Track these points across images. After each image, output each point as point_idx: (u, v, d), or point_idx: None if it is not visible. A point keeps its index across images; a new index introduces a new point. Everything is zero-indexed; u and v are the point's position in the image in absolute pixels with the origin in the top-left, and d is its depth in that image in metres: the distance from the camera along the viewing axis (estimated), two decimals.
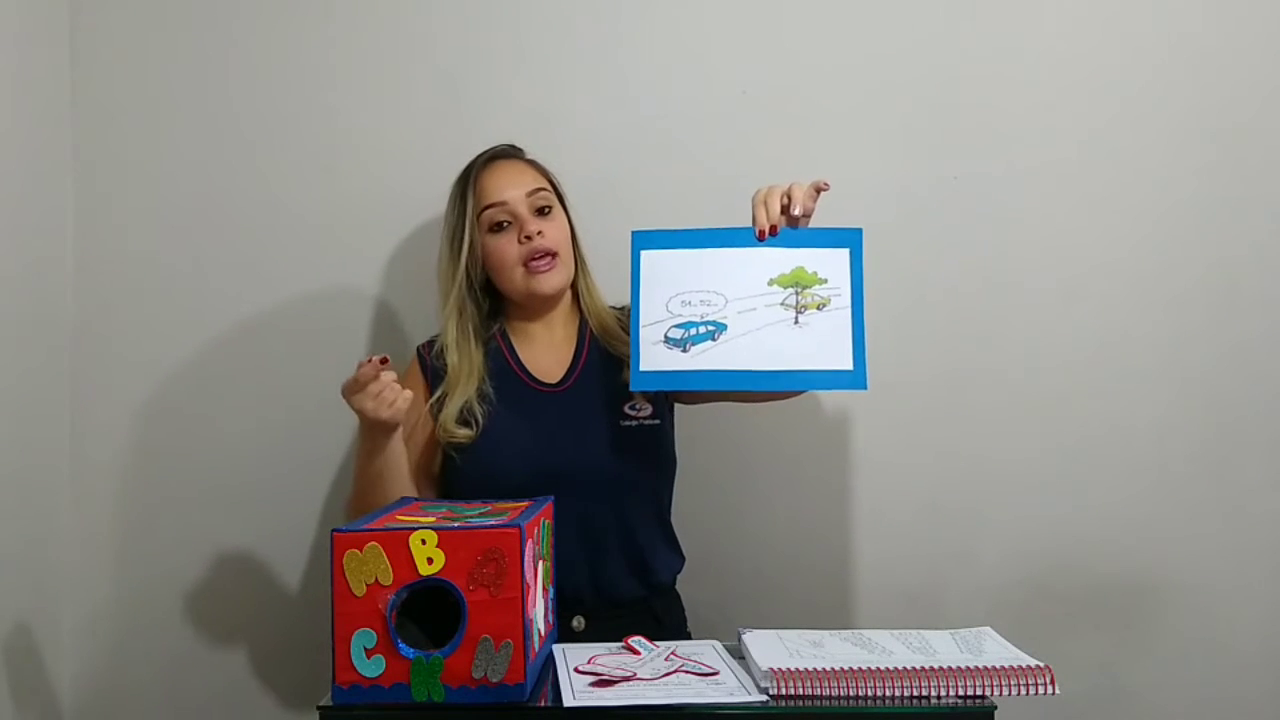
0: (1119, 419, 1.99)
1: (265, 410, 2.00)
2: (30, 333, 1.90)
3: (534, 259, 1.69)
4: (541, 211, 1.72)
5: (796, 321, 1.55)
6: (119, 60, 2.00)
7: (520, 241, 1.69)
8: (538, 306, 1.75)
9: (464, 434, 1.66)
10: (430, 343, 1.76)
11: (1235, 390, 1.99)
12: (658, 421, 1.72)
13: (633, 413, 1.70)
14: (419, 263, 1.98)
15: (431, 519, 1.32)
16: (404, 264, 2.00)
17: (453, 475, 1.70)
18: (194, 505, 2.00)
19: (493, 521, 1.29)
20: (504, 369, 1.73)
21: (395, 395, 1.53)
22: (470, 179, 1.73)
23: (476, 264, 1.72)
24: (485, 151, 1.77)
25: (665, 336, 1.57)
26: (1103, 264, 1.99)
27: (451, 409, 1.67)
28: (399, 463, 1.62)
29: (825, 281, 1.56)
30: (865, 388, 1.54)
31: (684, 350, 1.56)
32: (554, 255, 1.70)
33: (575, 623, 1.66)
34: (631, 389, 1.58)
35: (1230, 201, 1.99)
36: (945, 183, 1.99)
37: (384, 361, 1.51)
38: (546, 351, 1.76)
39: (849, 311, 1.55)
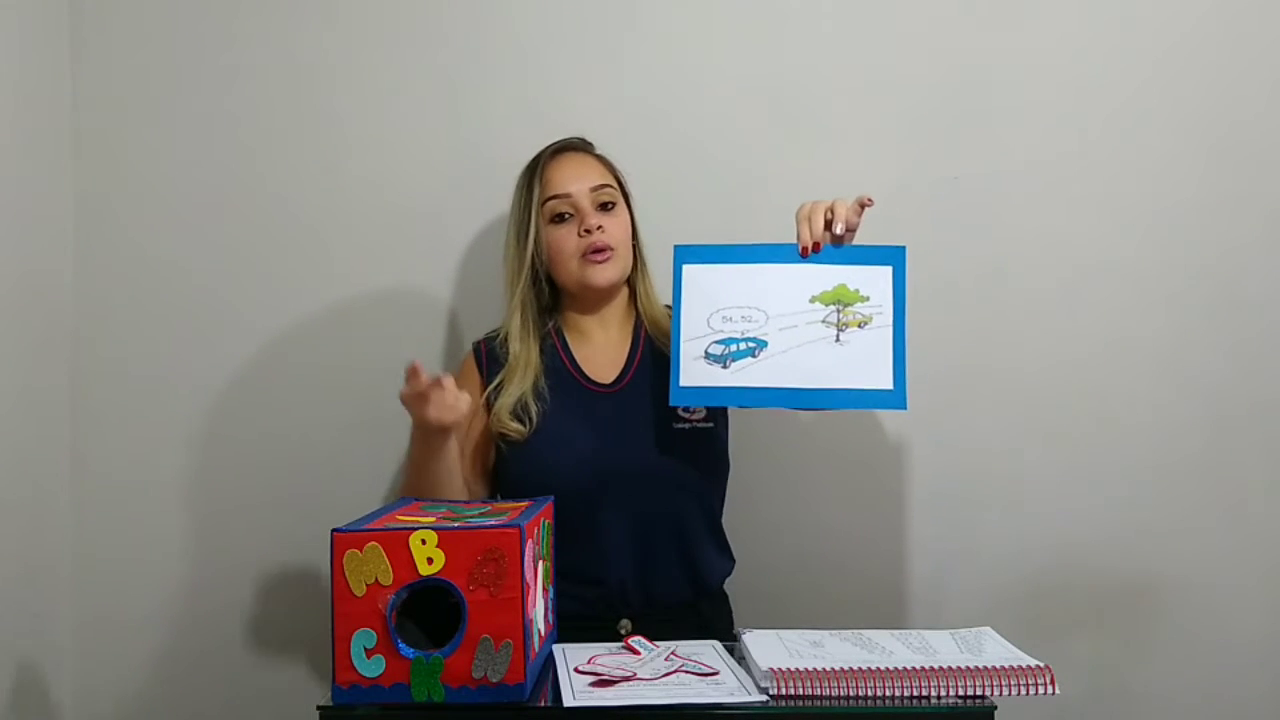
0: (1119, 419, 1.99)
1: (265, 411, 2.00)
2: (30, 334, 1.90)
3: (592, 252, 1.69)
4: (604, 207, 1.71)
5: (838, 339, 1.56)
6: (119, 60, 2.00)
7: (580, 235, 1.69)
8: (592, 299, 1.74)
9: (515, 428, 1.66)
10: (489, 338, 1.76)
11: (1235, 390, 1.99)
12: (711, 425, 1.71)
13: (686, 415, 1.69)
14: (423, 263, 1.99)
15: (431, 519, 1.32)
16: (408, 265, 2.00)
17: (503, 471, 1.70)
18: (193, 506, 2.00)
19: (493, 521, 1.29)
20: (558, 367, 1.72)
21: (455, 398, 1.54)
22: (537, 169, 1.72)
23: (541, 254, 1.71)
24: (554, 142, 1.76)
25: (706, 352, 1.58)
26: (1103, 263, 1.99)
27: (507, 400, 1.67)
28: (455, 464, 1.63)
29: (867, 299, 1.57)
30: (905, 407, 1.55)
31: (724, 366, 1.57)
32: (611, 250, 1.69)
33: (622, 626, 1.64)
34: (671, 404, 1.60)
35: (1231, 201, 1.99)
36: (946, 183, 1.99)
37: (414, 373, 1.52)
38: (601, 350, 1.75)
39: (890, 330, 1.56)
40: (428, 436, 1.58)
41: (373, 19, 2.00)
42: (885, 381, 1.55)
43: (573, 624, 1.53)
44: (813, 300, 1.58)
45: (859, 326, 1.56)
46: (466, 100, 2.00)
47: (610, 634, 1.60)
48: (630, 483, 1.65)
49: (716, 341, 1.58)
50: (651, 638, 1.47)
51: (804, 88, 2.01)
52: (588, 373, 1.73)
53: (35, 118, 1.92)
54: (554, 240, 1.70)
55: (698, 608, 1.71)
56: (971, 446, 2.00)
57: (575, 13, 2.01)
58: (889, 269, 1.58)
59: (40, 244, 1.93)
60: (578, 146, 1.77)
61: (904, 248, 1.58)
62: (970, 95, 2.00)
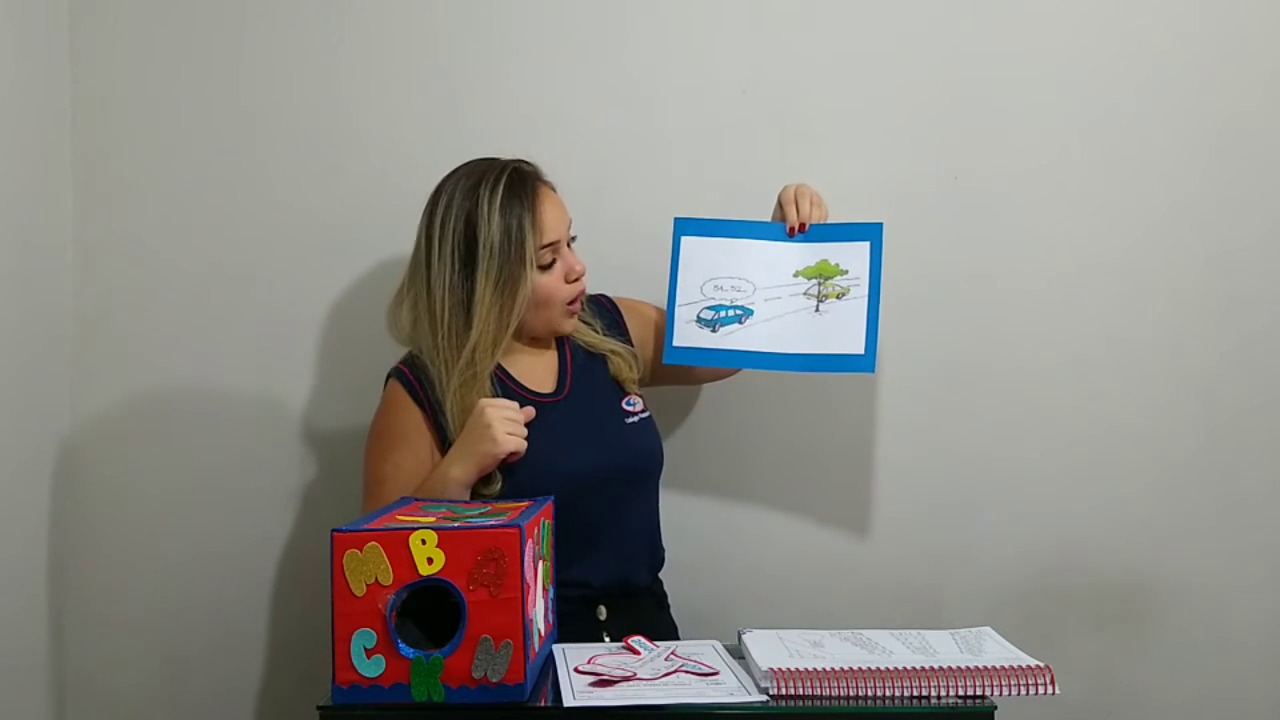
0: (1119, 419, 1.99)
1: (264, 410, 2.00)
2: (30, 331, 1.90)
3: (574, 299, 1.70)
4: (570, 245, 1.70)
5: (818, 310, 1.70)
6: (119, 60, 2.00)
7: (569, 282, 1.68)
8: (546, 334, 1.73)
9: (496, 489, 1.61)
10: (413, 371, 1.65)
11: (1235, 389, 1.99)
12: (648, 414, 1.76)
13: (630, 408, 1.73)
14: None
15: (431, 519, 1.32)
16: (407, 264, 2.00)
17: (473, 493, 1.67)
18: (193, 505, 2.00)
19: (493, 521, 1.29)
20: (504, 393, 1.66)
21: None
22: (529, 209, 1.62)
23: (530, 304, 1.64)
24: (519, 170, 1.65)
25: (698, 317, 1.72)
26: (1103, 263, 1.99)
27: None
28: None
29: (846, 272, 1.71)
30: (873, 371, 1.68)
31: (713, 330, 1.71)
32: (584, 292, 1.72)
33: (599, 611, 1.66)
34: (665, 362, 1.73)
35: (1230, 200, 1.99)
36: (946, 182, 1.99)
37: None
38: (534, 363, 1.73)
39: (865, 301, 1.69)
40: (479, 467, 1.57)
41: (372, 16, 2.00)
42: (857, 347, 1.67)
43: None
44: (796, 275, 1.72)
45: (837, 298, 1.70)
46: (466, 98, 2.00)
47: (590, 621, 1.64)
48: (598, 482, 1.65)
49: (708, 308, 1.72)
50: (622, 620, 1.63)
51: (804, 89, 2.00)
52: (528, 385, 1.70)
53: (35, 118, 1.92)
54: (544, 287, 1.65)
55: (653, 589, 1.77)
56: (971, 446, 2.00)
57: (574, 13, 2.00)
58: (867, 244, 1.71)
59: (40, 242, 1.93)
60: (543, 178, 1.69)
61: (881, 224, 1.72)
62: (970, 95, 1.99)
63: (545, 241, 1.63)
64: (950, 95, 1.99)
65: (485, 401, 1.58)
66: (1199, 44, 1.99)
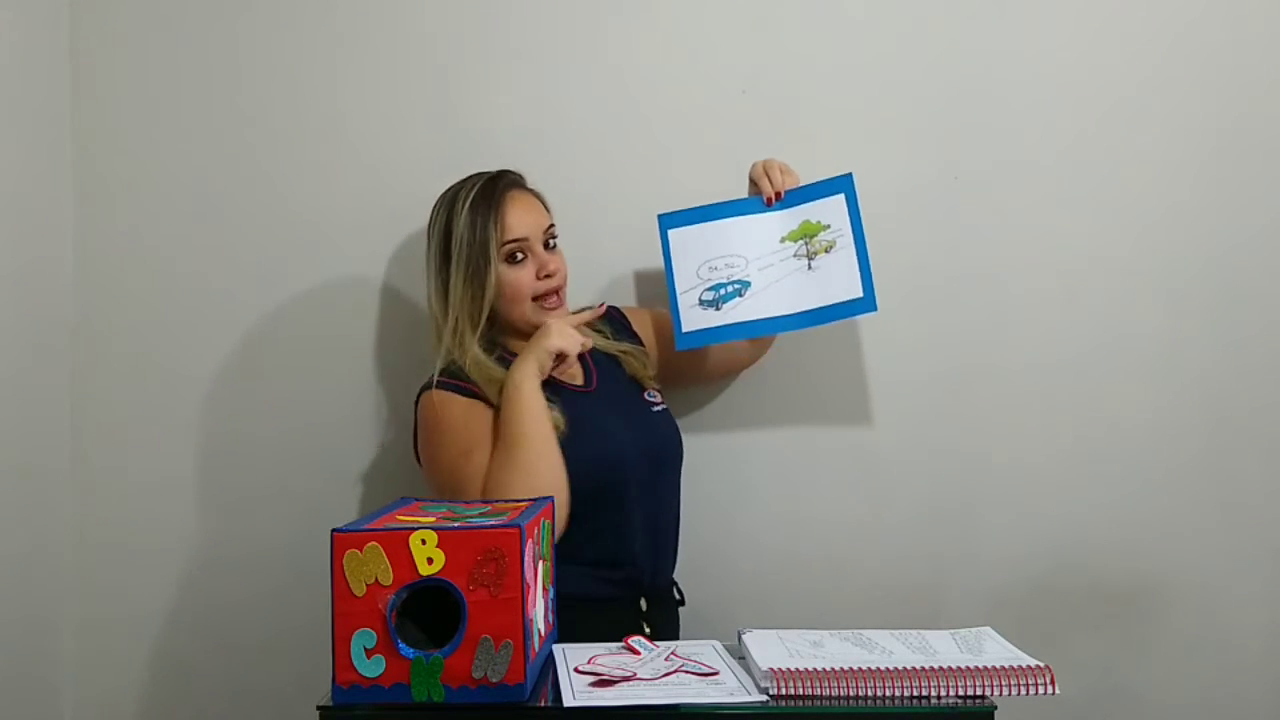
0: (1119, 419, 1.99)
1: (264, 409, 2.01)
2: (30, 332, 1.90)
3: (546, 295, 1.74)
4: (550, 246, 1.77)
5: (810, 267, 1.78)
6: (119, 60, 2.01)
7: (538, 278, 1.73)
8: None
9: (560, 424, 1.65)
10: (450, 376, 1.70)
11: (1235, 389, 1.99)
12: (667, 407, 1.83)
13: (651, 400, 1.81)
14: (420, 262, 1.99)
15: (431, 519, 1.32)
16: (406, 263, 2.00)
17: None
18: (193, 504, 2.01)
19: (493, 521, 1.29)
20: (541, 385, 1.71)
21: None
22: (494, 209, 1.72)
23: (498, 294, 1.73)
24: (496, 178, 1.75)
25: (700, 299, 1.79)
26: (1103, 263, 1.99)
27: None
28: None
29: (828, 227, 1.78)
30: (876, 309, 1.76)
31: (717, 309, 1.78)
32: (562, 287, 1.76)
33: (641, 603, 1.73)
34: (677, 348, 1.79)
35: (1230, 200, 1.99)
36: (946, 181, 1.99)
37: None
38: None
39: (853, 248, 1.76)
40: (540, 374, 1.65)
41: (371, 20, 2.00)
42: (856, 291, 1.75)
43: (601, 605, 1.65)
44: (783, 240, 1.80)
45: (826, 252, 1.78)
46: (465, 101, 2.00)
47: (634, 612, 1.71)
48: (642, 469, 1.72)
49: (708, 289, 1.78)
50: (659, 613, 1.73)
51: (804, 89, 2.01)
52: (559, 377, 1.74)
53: (35, 118, 1.92)
54: (512, 281, 1.73)
55: (674, 582, 1.82)
56: (971, 446, 2.00)
57: (572, 13, 2.01)
58: (842, 196, 1.78)
59: (40, 243, 1.94)
60: (521, 185, 1.79)
61: (851, 174, 1.78)
62: (970, 94, 2.00)
63: (508, 238, 1.72)
64: (950, 95, 2.00)
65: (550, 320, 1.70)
66: (1199, 44, 1.99)
